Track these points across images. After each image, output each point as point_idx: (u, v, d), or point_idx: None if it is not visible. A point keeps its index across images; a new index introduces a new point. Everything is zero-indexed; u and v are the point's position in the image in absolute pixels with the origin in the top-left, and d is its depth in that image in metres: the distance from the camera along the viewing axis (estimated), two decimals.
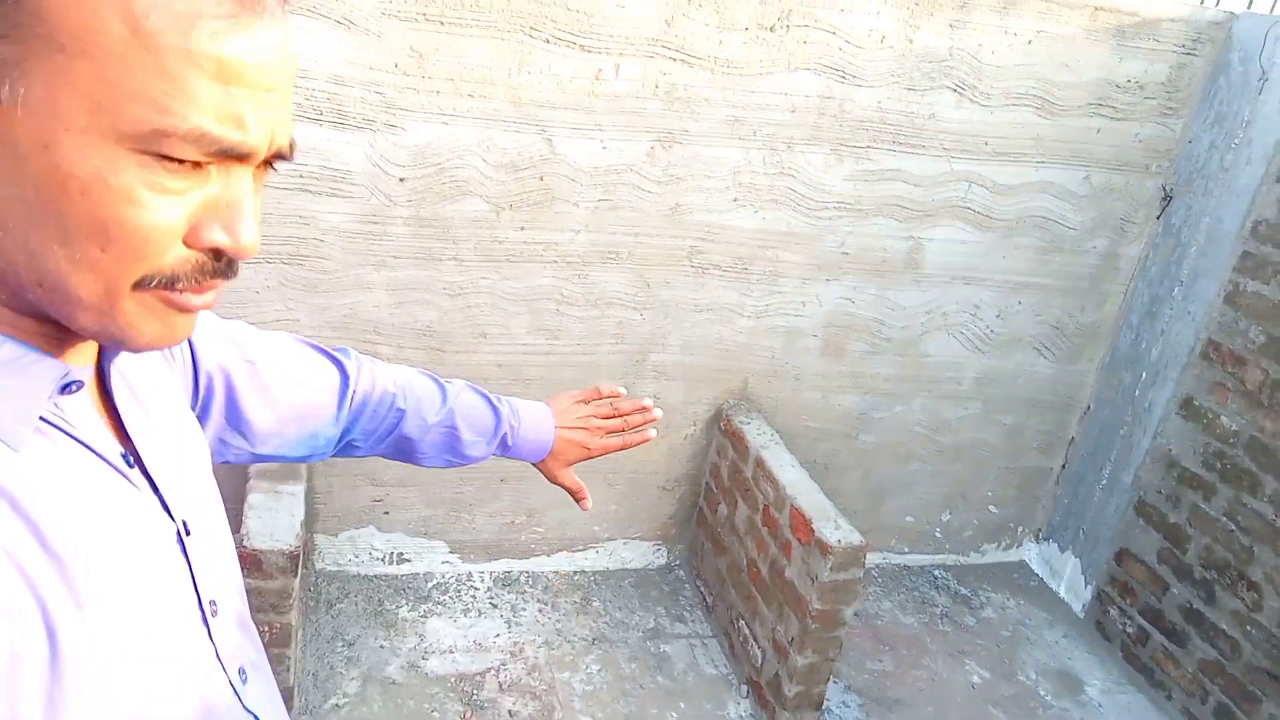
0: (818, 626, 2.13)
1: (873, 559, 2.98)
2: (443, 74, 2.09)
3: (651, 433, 1.14)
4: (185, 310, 0.54)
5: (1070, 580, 2.99)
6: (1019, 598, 2.96)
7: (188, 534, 0.64)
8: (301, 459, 0.97)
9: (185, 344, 0.80)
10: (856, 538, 2.11)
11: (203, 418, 0.83)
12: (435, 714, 2.16)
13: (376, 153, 2.12)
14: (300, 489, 2.08)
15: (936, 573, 3.01)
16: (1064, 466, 3.04)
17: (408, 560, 2.61)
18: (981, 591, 2.96)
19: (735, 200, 2.42)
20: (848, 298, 2.63)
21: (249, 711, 0.68)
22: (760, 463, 2.41)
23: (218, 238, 0.52)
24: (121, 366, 0.64)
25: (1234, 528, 2.45)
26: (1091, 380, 2.95)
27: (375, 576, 2.56)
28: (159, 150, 0.47)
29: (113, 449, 0.60)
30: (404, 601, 2.49)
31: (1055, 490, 3.07)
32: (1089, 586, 2.91)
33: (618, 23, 2.15)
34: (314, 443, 0.96)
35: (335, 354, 0.98)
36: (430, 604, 2.50)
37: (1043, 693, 2.57)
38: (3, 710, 0.47)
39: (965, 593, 2.94)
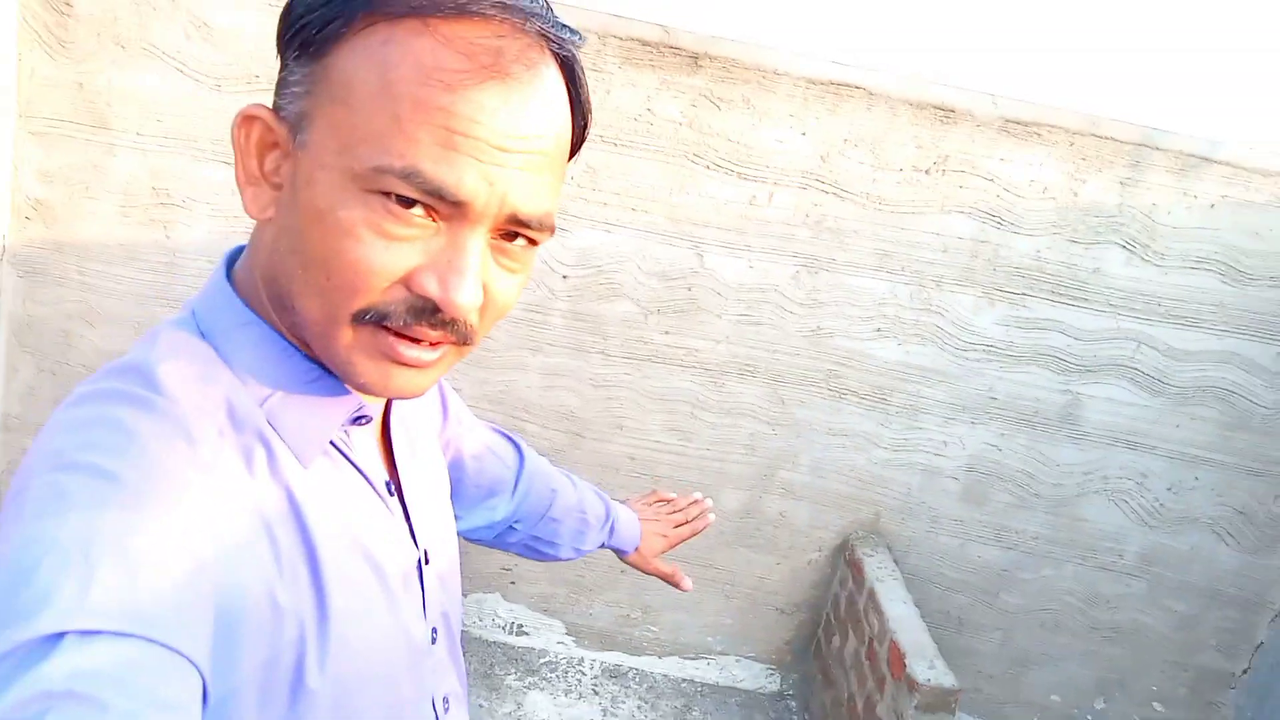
0: None
1: None
2: (611, 188, 2.37)
3: (711, 517, 1.21)
4: (398, 360, 0.56)
5: None
6: None
7: (427, 563, 0.70)
8: (469, 531, 1.03)
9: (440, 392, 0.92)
10: (949, 680, 2.01)
11: None
12: None
13: (547, 251, 2.42)
14: None
15: None
16: (1246, 672, 2.68)
17: (526, 633, 2.74)
18: None
19: (878, 330, 2.48)
20: (994, 444, 2.56)
21: None
22: (872, 594, 2.35)
23: (429, 285, 0.53)
24: (402, 408, 0.73)
25: None
26: None
27: (493, 642, 2.71)
28: (379, 187, 0.51)
29: (380, 477, 0.66)
30: (513, 670, 2.62)
31: (1236, 697, 2.70)
32: None
33: (775, 155, 2.36)
34: (490, 514, 1.02)
35: (509, 435, 1.07)
36: (536, 678, 2.61)
37: None
38: (251, 701, 0.52)
39: None
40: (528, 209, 0.55)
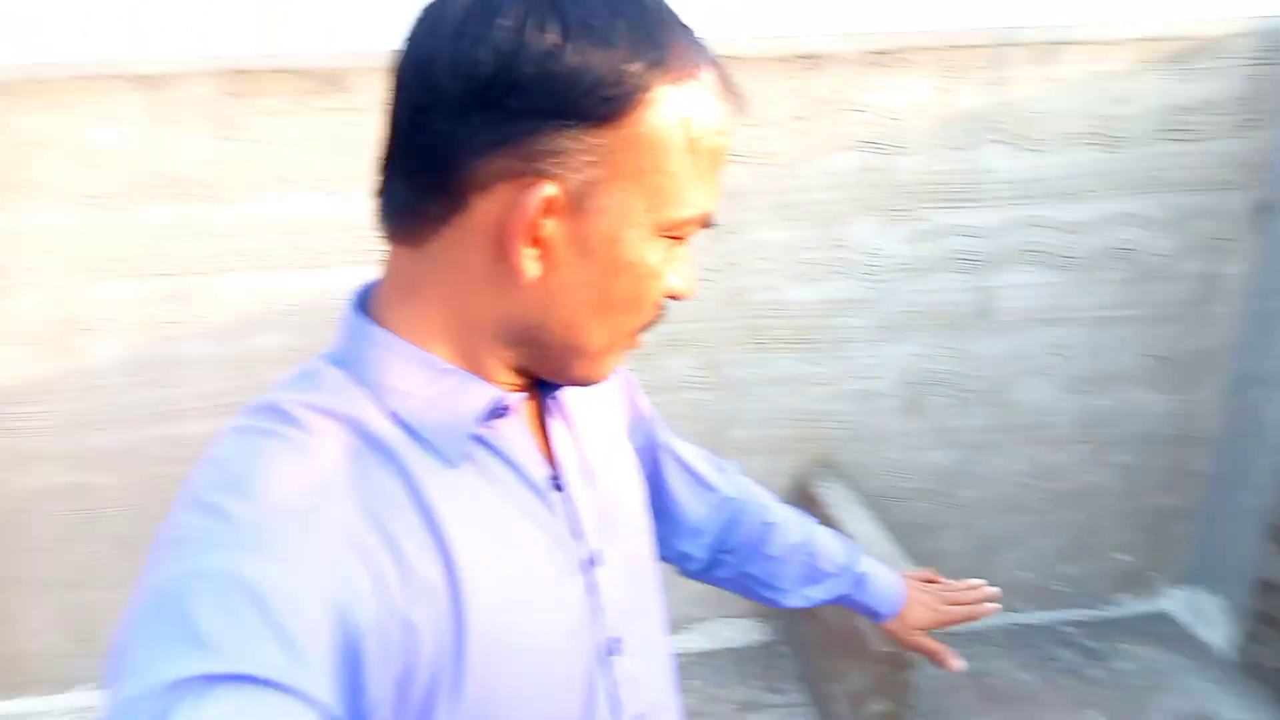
0: (886, 670, 2.15)
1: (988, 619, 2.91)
2: None
3: (990, 607, 1.08)
4: (635, 347, 0.66)
5: (1214, 621, 2.80)
6: (1159, 647, 2.79)
7: (599, 564, 0.68)
8: (671, 556, 1.02)
9: (628, 389, 0.92)
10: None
11: None
12: None
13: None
14: None
15: (1064, 629, 2.89)
16: (1194, 503, 2.87)
17: None
18: (1115, 644, 2.82)
19: (794, 276, 2.54)
20: (921, 354, 2.66)
21: None
22: (831, 520, 2.46)
23: (678, 285, 0.64)
24: (562, 398, 0.71)
25: None
26: (1215, 408, 2.79)
27: None
28: (678, 231, 0.60)
29: (540, 471, 0.66)
30: None
31: (1191, 530, 2.89)
32: (1237, 626, 2.72)
33: None
34: (692, 540, 1.01)
35: (719, 461, 1.06)
36: None
37: None
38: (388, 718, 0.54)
39: (1095, 646, 2.81)
40: None
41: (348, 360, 0.62)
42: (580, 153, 0.55)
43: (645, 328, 0.64)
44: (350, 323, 0.64)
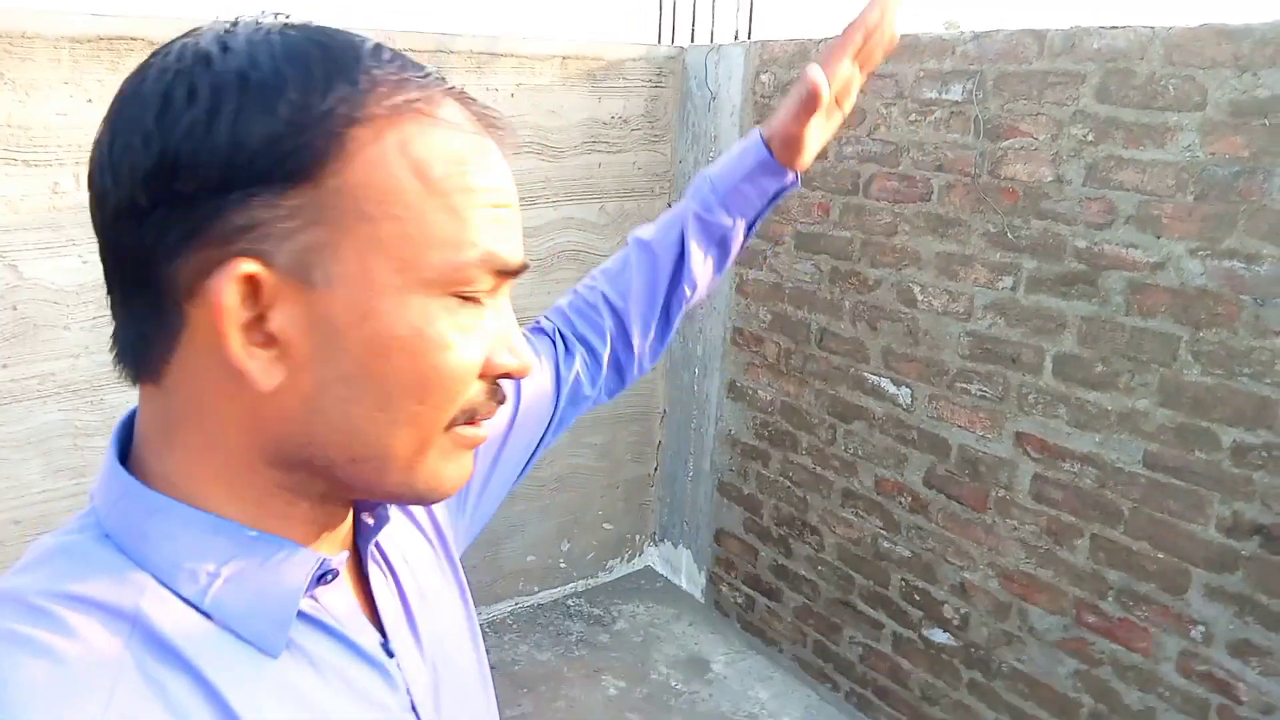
0: None
1: (503, 607, 3.01)
2: None
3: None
4: (476, 445, 0.54)
5: (687, 571, 3.21)
6: (648, 602, 3.12)
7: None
8: (639, 367, 0.95)
9: None
10: None
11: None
12: None
13: None
14: None
15: (569, 602, 3.09)
16: (656, 469, 3.27)
17: None
18: (614, 607, 3.08)
19: None
20: None
21: None
22: None
23: (506, 361, 0.53)
24: (379, 540, 0.61)
25: (789, 484, 2.76)
26: (662, 386, 3.21)
27: None
28: (458, 288, 0.49)
29: (370, 639, 0.56)
30: None
31: (655, 492, 3.29)
32: (702, 572, 3.14)
33: (64, 131, 2.04)
34: (627, 353, 0.93)
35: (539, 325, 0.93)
36: None
37: (674, 684, 2.71)
38: None
39: (598, 613, 3.05)
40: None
41: (120, 532, 0.49)
42: (280, 220, 0.46)
43: (474, 413, 0.53)
44: (116, 480, 0.51)
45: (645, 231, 0.94)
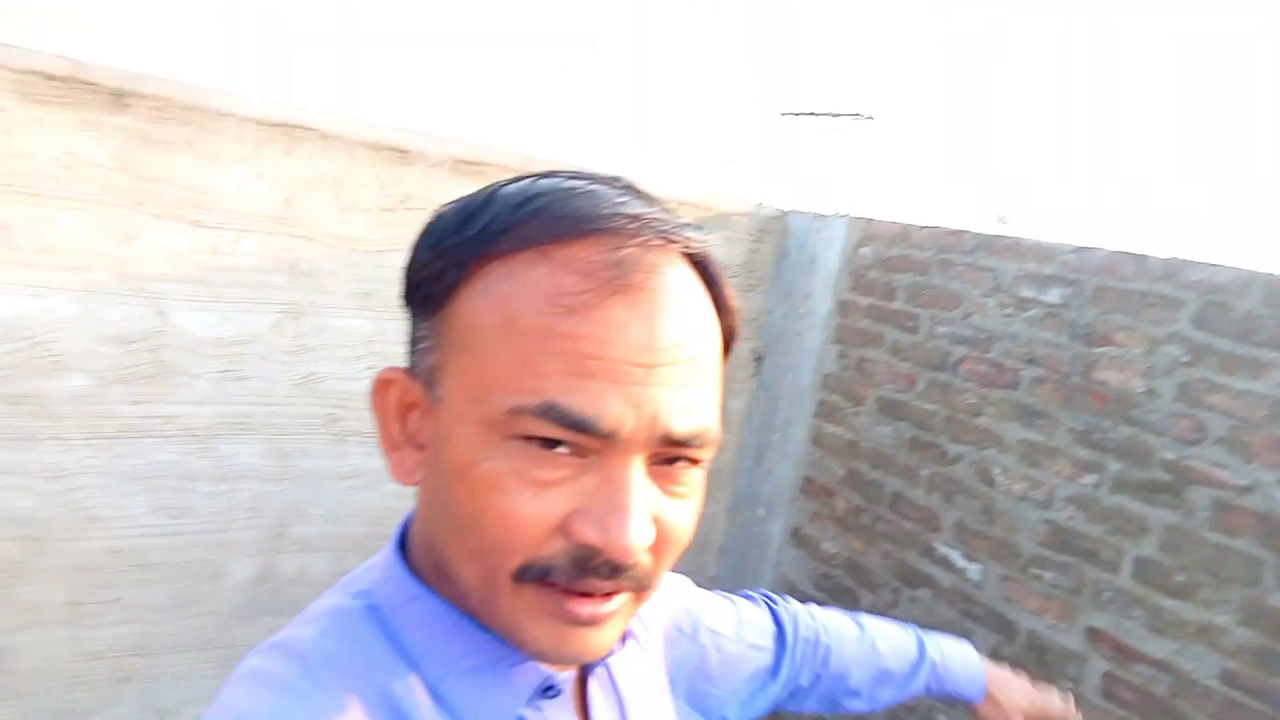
0: None
1: None
2: (32, 245, 2.02)
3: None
4: (573, 620, 0.50)
5: None
6: None
7: None
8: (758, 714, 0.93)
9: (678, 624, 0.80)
10: None
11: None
12: None
13: None
14: None
15: None
16: None
17: None
18: None
19: (370, 368, 2.50)
20: None
21: None
22: None
23: (589, 531, 0.48)
24: (609, 665, 0.63)
25: None
26: (722, 521, 3.26)
27: None
28: (519, 431, 0.48)
29: None
30: None
31: None
32: None
33: (233, 200, 2.22)
34: (764, 701, 0.93)
35: (771, 603, 0.98)
36: None
37: None
38: None
39: None
40: (682, 427, 0.50)
41: (386, 608, 0.56)
42: (422, 339, 0.54)
43: (548, 572, 0.50)
44: (390, 561, 0.58)
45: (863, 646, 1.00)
